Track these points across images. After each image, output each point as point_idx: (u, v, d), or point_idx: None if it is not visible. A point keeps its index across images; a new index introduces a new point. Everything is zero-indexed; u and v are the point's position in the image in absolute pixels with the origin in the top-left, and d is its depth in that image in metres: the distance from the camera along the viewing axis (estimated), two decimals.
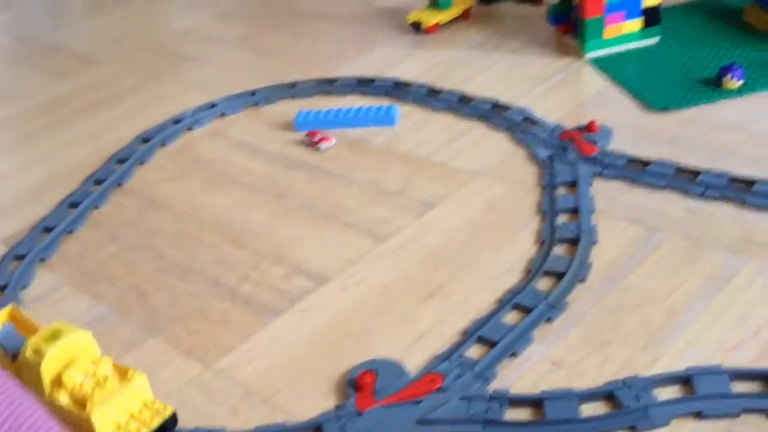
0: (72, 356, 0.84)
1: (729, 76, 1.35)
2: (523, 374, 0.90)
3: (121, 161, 1.42)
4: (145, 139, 1.48)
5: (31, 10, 2.30)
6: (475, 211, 1.18)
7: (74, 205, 1.31)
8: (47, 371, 0.82)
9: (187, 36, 1.95)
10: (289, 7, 2.04)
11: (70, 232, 1.25)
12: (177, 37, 1.95)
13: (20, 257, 1.19)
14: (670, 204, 1.13)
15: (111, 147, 1.48)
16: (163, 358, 1.00)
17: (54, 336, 0.83)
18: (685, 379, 0.85)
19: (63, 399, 0.82)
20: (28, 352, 0.83)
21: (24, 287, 1.14)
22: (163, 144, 1.47)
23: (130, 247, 1.21)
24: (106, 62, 1.86)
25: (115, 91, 1.71)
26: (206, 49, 1.86)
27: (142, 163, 1.42)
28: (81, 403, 0.81)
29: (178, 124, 1.52)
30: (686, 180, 1.16)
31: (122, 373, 0.85)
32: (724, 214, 1.10)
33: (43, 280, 1.16)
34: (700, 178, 1.15)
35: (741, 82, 1.36)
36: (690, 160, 1.21)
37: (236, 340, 1.01)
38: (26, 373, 0.84)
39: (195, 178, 1.36)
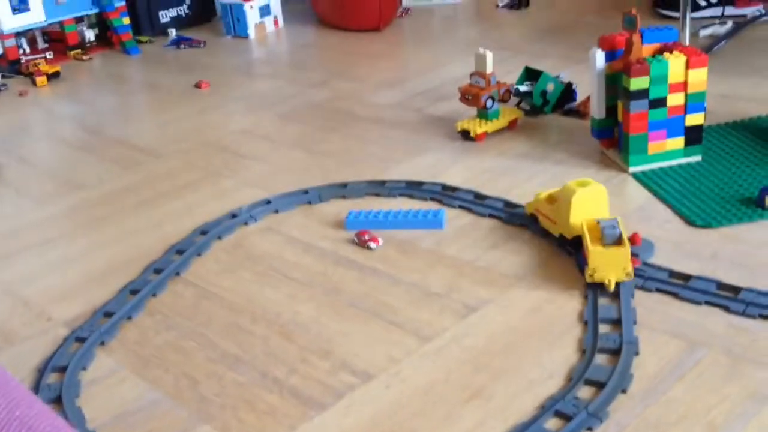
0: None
1: None
2: None
3: (180, 252, 1.49)
4: (203, 231, 1.56)
5: (101, 105, 2.45)
6: (518, 315, 1.22)
7: (134, 291, 1.37)
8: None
9: (246, 135, 2.06)
10: (342, 111, 2.15)
11: (129, 318, 1.31)
12: (236, 135, 2.06)
13: (81, 340, 1.25)
14: (712, 319, 1.15)
15: (171, 238, 1.56)
16: None
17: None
18: None
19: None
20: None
21: (84, 368, 1.19)
22: (219, 237, 1.54)
23: (184, 336, 1.26)
24: (170, 157, 1.97)
25: (177, 185, 1.80)
26: (263, 148, 1.96)
27: (199, 255, 1.49)
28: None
29: (235, 218, 1.59)
30: (727, 296, 1.18)
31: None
32: (765, 332, 1.11)
33: (101, 363, 1.21)
34: (741, 295, 1.18)
35: None
36: (731, 276, 1.23)
37: None
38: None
39: (248, 271, 1.42)
